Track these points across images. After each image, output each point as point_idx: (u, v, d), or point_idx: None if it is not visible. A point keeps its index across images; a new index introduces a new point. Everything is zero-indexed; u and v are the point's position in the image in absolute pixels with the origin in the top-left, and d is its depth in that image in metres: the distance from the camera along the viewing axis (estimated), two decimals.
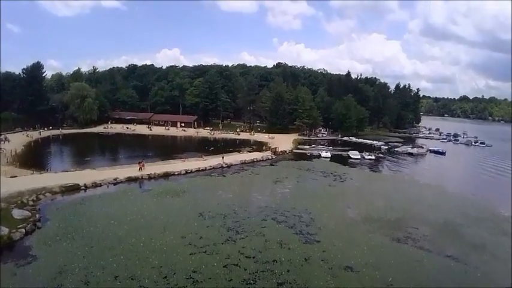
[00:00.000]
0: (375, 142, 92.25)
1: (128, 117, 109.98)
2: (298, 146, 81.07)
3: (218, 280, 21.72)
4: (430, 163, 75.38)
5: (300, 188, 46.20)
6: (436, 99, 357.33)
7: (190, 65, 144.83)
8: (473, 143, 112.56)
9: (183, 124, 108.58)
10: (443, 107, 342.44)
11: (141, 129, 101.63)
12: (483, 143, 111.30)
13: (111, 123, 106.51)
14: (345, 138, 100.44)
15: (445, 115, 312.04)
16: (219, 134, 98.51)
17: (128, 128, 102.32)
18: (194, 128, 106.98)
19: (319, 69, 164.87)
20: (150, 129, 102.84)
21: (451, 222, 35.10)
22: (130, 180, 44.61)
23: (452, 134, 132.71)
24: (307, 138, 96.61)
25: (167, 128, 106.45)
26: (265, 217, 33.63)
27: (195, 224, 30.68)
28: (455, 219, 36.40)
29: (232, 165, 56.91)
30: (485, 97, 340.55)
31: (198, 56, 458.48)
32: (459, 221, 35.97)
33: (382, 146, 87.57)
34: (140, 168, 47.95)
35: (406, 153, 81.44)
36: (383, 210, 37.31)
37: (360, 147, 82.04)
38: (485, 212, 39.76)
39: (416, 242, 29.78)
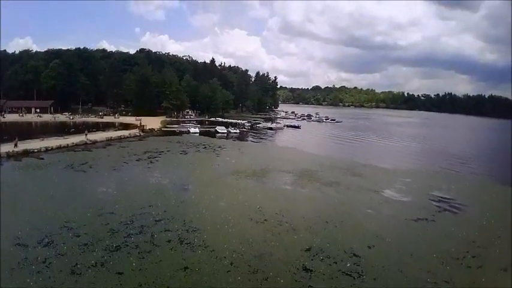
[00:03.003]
0: (239, 121, 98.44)
1: None
2: (167, 125, 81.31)
3: (94, 225, 21.73)
4: (287, 134, 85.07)
5: (171, 155, 47.30)
6: (292, 90, 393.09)
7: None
8: (324, 120, 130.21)
9: (38, 110, 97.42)
10: (298, 96, 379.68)
11: None
12: (333, 120, 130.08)
13: None
14: (212, 119, 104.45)
15: (300, 103, 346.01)
16: (79, 118, 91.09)
17: None
18: (51, 113, 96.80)
19: (184, 56, 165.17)
20: (4, 117, 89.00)
21: (307, 170, 40.68)
22: None
23: (306, 114, 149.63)
24: (175, 119, 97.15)
25: (21, 114, 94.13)
26: (137, 179, 34.10)
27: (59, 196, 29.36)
28: (311, 167, 42.14)
29: (97, 141, 54.25)
30: (336, 86, 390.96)
31: (53, 44, 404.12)
32: (314, 168, 41.74)
33: (245, 124, 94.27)
34: (15, 145, 43.97)
35: (266, 128, 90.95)
36: (249, 165, 41.39)
37: (226, 125, 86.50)
38: (335, 163, 46.61)
39: (279, 182, 34.43)
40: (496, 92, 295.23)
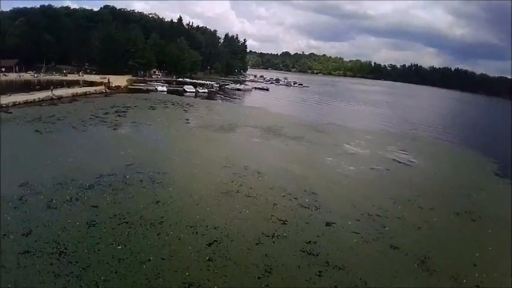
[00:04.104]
0: (207, 82, 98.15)
1: None
2: (134, 84, 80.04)
3: (65, 168, 22.19)
4: (255, 96, 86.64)
5: (139, 110, 47.31)
6: (261, 55, 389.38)
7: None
8: (292, 85, 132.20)
9: (3, 69, 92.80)
10: (267, 62, 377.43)
11: None
12: (301, 84, 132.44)
13: None
14: (180, 79, 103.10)
15: (269, 68, 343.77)
16: (43, 77, 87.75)
17: None
18: (16, 72, 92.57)
19: (150, 14, 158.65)
20: None
21: (273, 126, 42.39)
22: None
23: (274, 78, 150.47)
24: (142, 78, 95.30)
25: None
26: (105, 130, 34.72)
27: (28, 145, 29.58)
28: (276, 124, 43.80)
29: (63, 97, 53.19)
30: (305, 53, 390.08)
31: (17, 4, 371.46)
32: (280, 125, 43.54)
33: (214, 84, 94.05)
34: None
35: (235, 89, 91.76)
36: (217, 121, 42.78)
37: (195, 85, 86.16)
38: (300, 121, 48.86)
39: (245, 136, 36.28)
40: (463, 66, 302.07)
